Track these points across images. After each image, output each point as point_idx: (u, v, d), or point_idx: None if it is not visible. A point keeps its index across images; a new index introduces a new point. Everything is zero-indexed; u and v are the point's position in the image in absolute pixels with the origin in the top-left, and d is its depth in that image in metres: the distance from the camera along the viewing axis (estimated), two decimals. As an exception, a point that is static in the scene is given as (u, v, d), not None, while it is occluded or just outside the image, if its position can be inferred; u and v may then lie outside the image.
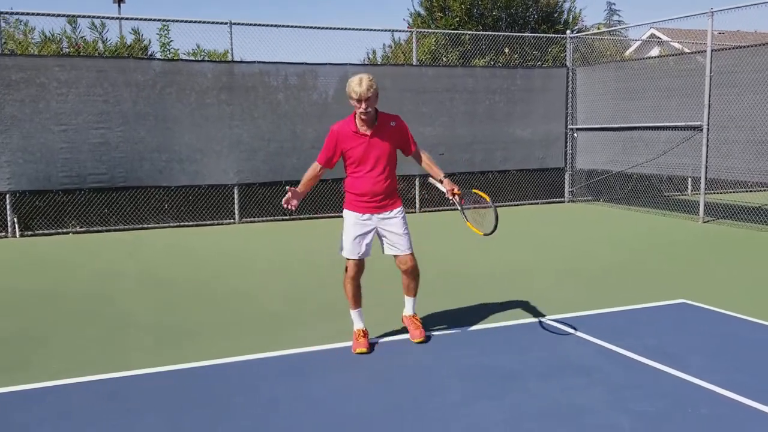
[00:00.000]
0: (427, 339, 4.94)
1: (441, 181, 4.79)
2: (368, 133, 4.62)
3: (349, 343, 4.87)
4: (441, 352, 4.77)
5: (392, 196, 4.78)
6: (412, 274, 4.87)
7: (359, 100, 4.45)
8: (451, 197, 4.72)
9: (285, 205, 4.60)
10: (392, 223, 4.76)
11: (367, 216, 4.73)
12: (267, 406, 3.87)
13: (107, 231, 10.39)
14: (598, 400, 3.91)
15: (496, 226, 4.55)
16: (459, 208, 4.82)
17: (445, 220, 11.34)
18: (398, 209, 4.80)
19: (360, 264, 4.78)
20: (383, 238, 4.81)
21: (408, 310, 5.04)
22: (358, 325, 4.86)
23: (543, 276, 7.12)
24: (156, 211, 10.78)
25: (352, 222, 4.75)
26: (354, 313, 4.88)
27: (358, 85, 4.43)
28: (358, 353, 4.68)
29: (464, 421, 3.65)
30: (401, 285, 5.01)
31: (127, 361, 4.60)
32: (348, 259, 4.78)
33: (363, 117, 4.55)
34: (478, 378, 4.26)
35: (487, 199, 4.67)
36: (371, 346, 4.80)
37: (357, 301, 4.87)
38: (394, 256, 4.83)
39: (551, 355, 4.65)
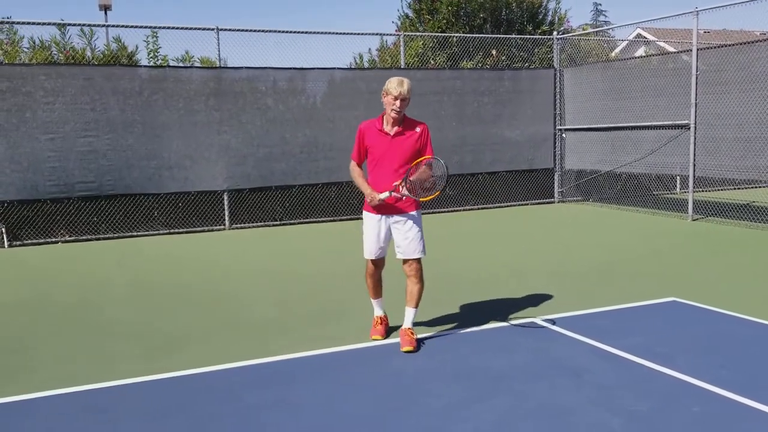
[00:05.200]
0: (417, 349, 4.84)
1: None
2: (392, 132, 4.82)
3: (338, 349, 4.89)
4: (430, 354, 4.76)
5: (408, 199, 4.85)
6: (417, 278, 4.91)
7: (395, 98, 4.68)
8: (398, 194, 4.69)
9: (378, 198, 4.72)
10: (405, 226, 4.87)
11: (381, 217, 4.88)
12: (253, 413, 3.84)
13: (96, 240, 10.33)
14: (588, 399, 3.91)
15: (443, 171, 4.70)
16: (407, 195, 4.72)
17: (435, 221, 11.34)
18: (412, 213, 4.88)
19: (377, 262, 5.02)
20: (394, 242, 4.92)
21: (407, 322, 4.95)
22: (377, 312, 5.18)
23: (533, 276, 7.12)
24: (145, 219, 10.73)
25: (368, 223, 4.94)
26: (374, 302, 5.18)
27: (399, 84, 4.69)
28: (373, 339, 5.01)
29: (455, 423, 3.64)
30: (405, 293, 5.00)
31: (115, 371, 4.57)
32: (366, 258, 5.02)
33: (393, 115, 4.74)
34: (468, 380, 4.25)
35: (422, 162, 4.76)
36: (388, 333, 5.07)
37: (376, 292, 5.15)
38: (402, 261, 4.93)
39: (541, 356, 4.65)
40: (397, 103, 4.69)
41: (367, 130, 4.89)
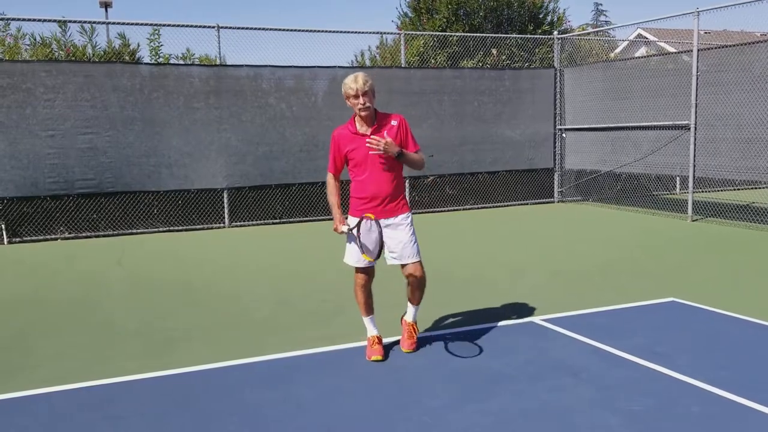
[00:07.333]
0: (416, 349, 4.83)
1: None
2: (368, 132, 4.49)
3: (338, 347, 4.89)
4: (429, 354, 4.76)
5: (398, 200, 4.59)
6: (418, 283, 4.65)
7: (356, 96, 4.38)
8: (368, 220, 4.53)
9: (341, 230, 4.53)
10: (398, 230, 4.55)
11: (371, 222, 4.53)
12: (255, 411, 3.85)
13: (96, 237, 10.33)
14: (587, 399, 3.91)
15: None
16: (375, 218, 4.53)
17: (434, 221, 11.35)
18: (404, 215, 4.59)
19: (367, 272, 4.64)
20: (387, 247, 4.55)
21: (409, 317, 4.83)
22: (371, 332, 4.74)
23: (532, 276, 7.13)
24: (145, 216, 10.73)
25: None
26: (366, 320, 4.76)
27: (353, 81, 4.38)
28: (373, 360, 4.59)
29: (453, 424, 3.64)
30: (405, 290, 4.86)
31: (115, 367, 4.57)
32: (355, 268, 4.64)
33: (363, 114, 4.44)
34: (466, 380, 4.25)
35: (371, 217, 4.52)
36: (386, 352, 4.71)
37: (368, 309, 4.74)
38: (401, 265, 4.61)
39: (540, 356, 4.65)
40: (361, 99, 4.38)
41: (341, 136, 4.55)
